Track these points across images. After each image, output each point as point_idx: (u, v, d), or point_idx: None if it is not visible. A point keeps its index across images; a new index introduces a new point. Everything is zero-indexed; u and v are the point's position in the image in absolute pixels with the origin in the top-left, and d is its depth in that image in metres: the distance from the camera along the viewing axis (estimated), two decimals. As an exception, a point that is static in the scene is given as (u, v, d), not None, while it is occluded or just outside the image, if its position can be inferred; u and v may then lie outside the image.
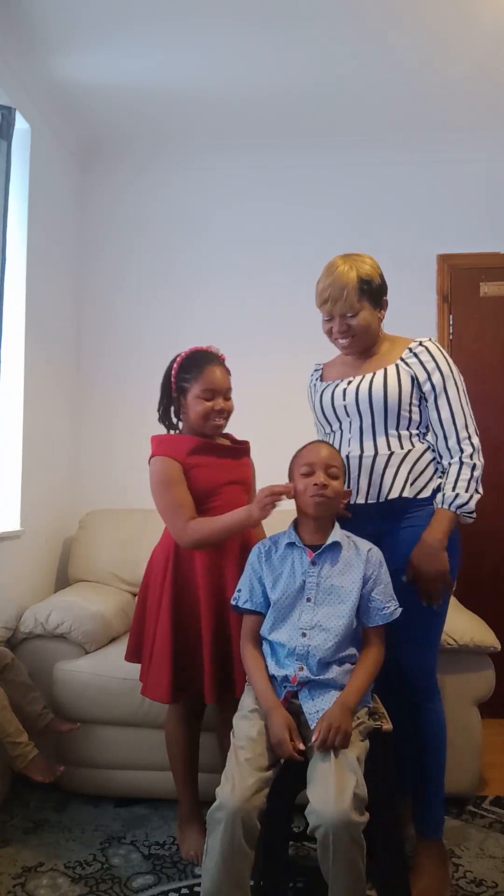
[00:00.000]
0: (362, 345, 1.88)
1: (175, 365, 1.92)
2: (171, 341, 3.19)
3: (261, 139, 3.21)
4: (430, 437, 1.85)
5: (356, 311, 1.80)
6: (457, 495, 1.75)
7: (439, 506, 1.77)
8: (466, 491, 1.75)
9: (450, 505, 1.75)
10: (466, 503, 1.74)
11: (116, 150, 3.32)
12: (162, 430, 2.01)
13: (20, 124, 2.65)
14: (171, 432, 1.97)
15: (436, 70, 2.69)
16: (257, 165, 3.28)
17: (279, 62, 2.65)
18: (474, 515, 1.77)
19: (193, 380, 1.87)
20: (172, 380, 1.92)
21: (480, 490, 1.77)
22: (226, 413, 1.90)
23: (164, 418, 1.97)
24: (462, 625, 2.20)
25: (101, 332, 3.32)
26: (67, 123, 3.07)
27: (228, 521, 1.76)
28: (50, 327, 2.99)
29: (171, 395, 1.94)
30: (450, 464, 1.79)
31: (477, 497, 1.76)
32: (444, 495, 1.77)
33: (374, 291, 1.83)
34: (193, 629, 1.83)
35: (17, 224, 2.69)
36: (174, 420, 1.98)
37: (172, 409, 1.96)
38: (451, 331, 3.19)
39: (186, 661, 1.82)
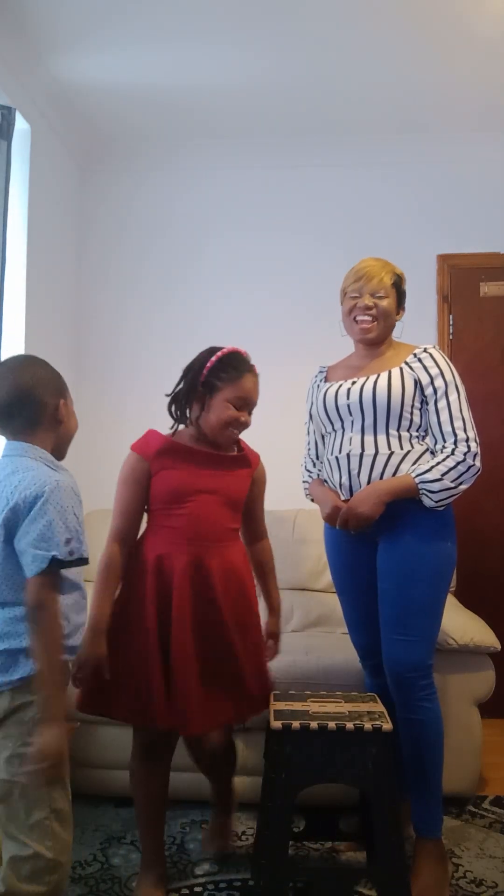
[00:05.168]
0: (378, 333, 1.92)
1: (213, 358, 1.72)
2: (172, 339, 3.24)
3: (261, 139, 3.22)
4: (428, 439, 1.86)
5: (386, 294, 1.89)
6: (427, 470, 1.76)
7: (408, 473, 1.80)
8: (441, 475, 1.75)
9: (415, 474, 1.77)
10: (430, 481, 1.75)
11: (116, 150, 3.32)
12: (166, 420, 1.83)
13: (20, 124, 2.65)
14: (178, 426, 1.79)
15: (436, 70, 2.69)
16: (257, 165, 3.28)
17: (279, 62, 2.65)
18: (435, 500, 1.76)
19: (229, 382, 1.70)
20: (204, 372, 1.71)
21: (458, 487, 1.77)
22: (244, 427, 1.76)
23: (176, 409, 1.77)
24: (462, 625, 2.21)
25: (101, 331, 3.32)
26: (67, 123, 3.07)
27: (102, 603, 1.66)
28: (50, 327, 2.99)
29: (197, 387, 1.72)
30: (442, 450, 1.80)
31: (448, 486, 1.75)
32: (417, 465, 1.80)
33: (400, 290, 1.94)
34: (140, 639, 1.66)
35: (17, 224, 2.69)
36: (187, 413, 1.77)
37: (190, 401, 1.75)
38: (451, 331, 3.19)
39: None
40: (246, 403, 1.72)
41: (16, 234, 2.69)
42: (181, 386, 1.76)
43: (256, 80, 2.77)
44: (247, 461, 1.81)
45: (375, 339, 1.93)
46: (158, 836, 1.76)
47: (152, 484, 1.71)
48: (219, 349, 1.74)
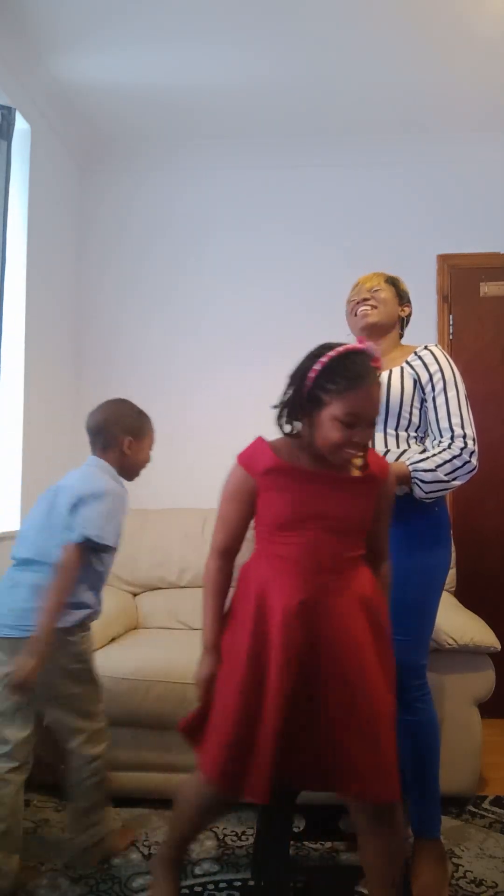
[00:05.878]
0: (379, 319, 1.94)
1: (318, 365, 1.40)
2: (173, 340, 3.25)
3: (261, 139, 3.22)
4: (427, 441, 1.86)
5: (381, 288, 1.98)
6: (422, 460, 1.75)
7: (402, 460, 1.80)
8: (435, 466, 1.74)
9: (410, 462, 1.76)
10: (423, 471, 1.74)
11: (116, 150, 3.32)
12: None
13: (20, 124, 2.65)
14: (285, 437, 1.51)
15: (436, 70, 2.69)
16: (258, 165, 3.29)
17: (279, 62, 2.66)
18: (425, 491, 1.75)
19: (337, 395, 1.37)
20: (308, 382, 1.40)
21: (452, 482, 1.75)
22: (362, 445, 1.43)
23: (282, 419, 1.47)
24: (462, 625, 2.21)
25: (102, 332, 3.32)
26: (67, 123, 3.07)
27: (209, 619, 1.52)
28: (50, 327, 2.99)
29: (302, 398, 1.42)
30: (439, 444, 1.80)
31: (441, 479, 1.74)
32: (413, 455, 1.79)
33: (398, 288, 2.01)
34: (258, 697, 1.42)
35: (17, 224, 2.70)
36: (293, 426, 1.48)
37: (297, 412, 1.45)
38: (451, 331, 3.19)
39: (245, 738, 1.41)
40: (360, 419, 1.38)
41: (16, 234, 2.69)
42: (287, 395, 1.46)
43: (256, 80, 2.77)
44: (374, 481, 1.49)
45: (377, 326, 1.94)
46: (188, 845, 1.71)
47: (258, 504, 1.48)
48: (330, 348, 1.41)
